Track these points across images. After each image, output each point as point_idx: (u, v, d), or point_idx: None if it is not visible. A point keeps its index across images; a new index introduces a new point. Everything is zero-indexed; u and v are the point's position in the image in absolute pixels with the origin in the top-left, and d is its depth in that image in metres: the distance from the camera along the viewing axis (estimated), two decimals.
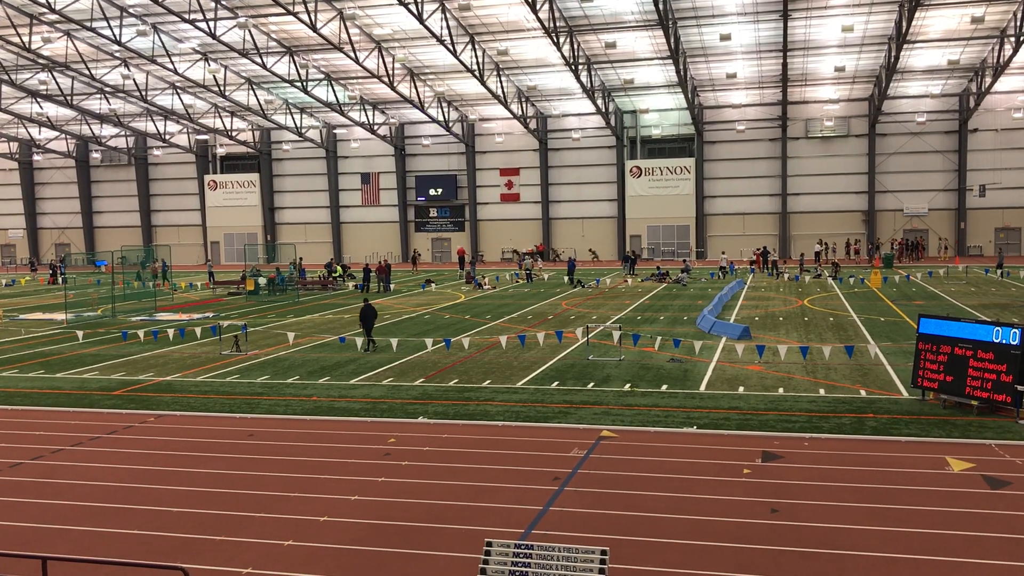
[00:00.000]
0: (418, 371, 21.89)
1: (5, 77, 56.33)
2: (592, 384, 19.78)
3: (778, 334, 27.03)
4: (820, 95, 62.93)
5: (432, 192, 72.67)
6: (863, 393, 18.29)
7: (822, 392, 18.43)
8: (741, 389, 18.88)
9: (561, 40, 48.19)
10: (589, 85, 56.50)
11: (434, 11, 44.88)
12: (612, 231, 69.84)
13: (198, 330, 29.07)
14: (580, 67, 53.48)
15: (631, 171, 68.32)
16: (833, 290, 41.28)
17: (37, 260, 79.48)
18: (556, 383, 20.00)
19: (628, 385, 19.55)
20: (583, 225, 70.25)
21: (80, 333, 29.65)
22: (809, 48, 52.09)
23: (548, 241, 70.50)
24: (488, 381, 20.42)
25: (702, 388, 19.14)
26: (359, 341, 25.86)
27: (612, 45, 47.94)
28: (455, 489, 12.49)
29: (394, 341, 25.17)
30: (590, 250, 69.60)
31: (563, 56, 49.45)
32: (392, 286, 47.40)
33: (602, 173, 69.46)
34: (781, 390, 18.69)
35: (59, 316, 35.97)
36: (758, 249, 59.02)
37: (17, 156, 78.38)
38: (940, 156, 63.20)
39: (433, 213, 73.55)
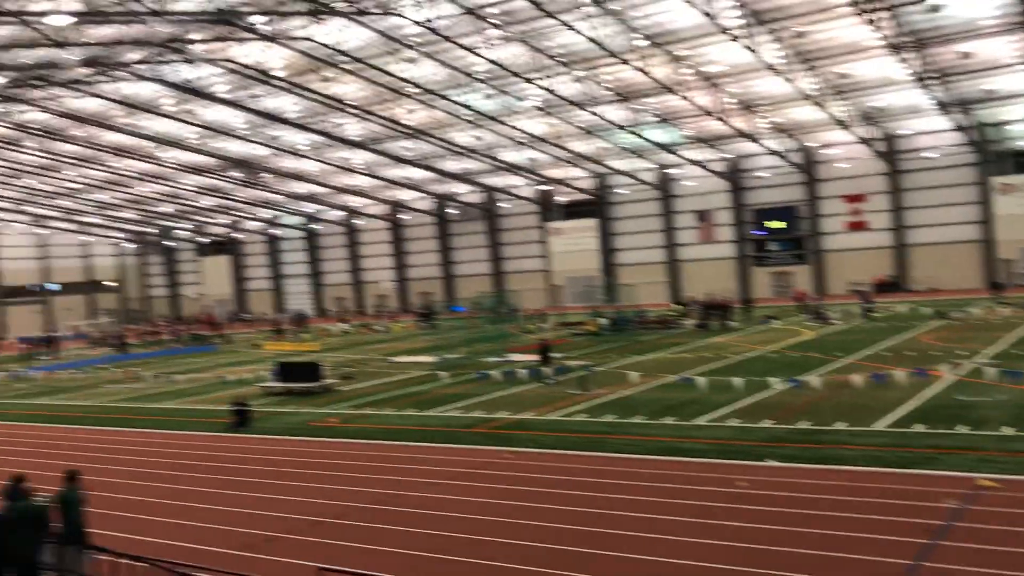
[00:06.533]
0: (764, 412, 21.20)
1: (377, 147, 63.63)
2: (964, 427, 17.90)
3: None
4: None
5: (770, 225, 70.60)
6: None
7: None
8: None
9: (907, 56, 44.92)
10: (943, 100, 51.95)
11: (767, 42, 43.96)
12: (975, 256, 63.17)
13: (547, 370, 30.43)
14: (931, 82, 49.42)
15: (999, 188, 61.52)
16: None
17: (402, 308, 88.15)
18: (920, 426, 18.36)
19: (1010, 428, 17.44)
20: (940, 251, 64.32)
21: (444, 374, 32.29)
22: None
23: (902, 270, 65.40)
24: (842, 423, 19.26)
25: None
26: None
27: (967, 55, 43.76)
28: (810, 537, 11.88)
29: (739, 381, 24.63)
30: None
31: (910, 72, 46.00)
32: (733, 323, 46.49)
33: (961, 193, 63.27)
34: None
35: (426, 359, 39.49)
36: None
37: (388, 216, 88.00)
38: None
39: (772, 246, 71.37)
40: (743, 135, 59.38)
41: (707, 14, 39.47)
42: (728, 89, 51.64)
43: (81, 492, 12.04)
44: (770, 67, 45.59)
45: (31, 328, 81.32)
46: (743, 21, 41.06)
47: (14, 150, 62.75)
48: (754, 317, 50.42)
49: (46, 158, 65.49)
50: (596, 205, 78.94)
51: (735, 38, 41.64)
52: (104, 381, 39.86)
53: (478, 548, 12.47)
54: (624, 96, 54.68)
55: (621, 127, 58.56)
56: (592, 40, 42.18)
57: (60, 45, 37.44)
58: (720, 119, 54.95)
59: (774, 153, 64.05)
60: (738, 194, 71.89)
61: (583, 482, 15.74)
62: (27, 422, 29.00)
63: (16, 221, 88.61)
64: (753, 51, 42.85)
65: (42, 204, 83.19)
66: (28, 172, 70.16)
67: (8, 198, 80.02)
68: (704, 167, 67.72)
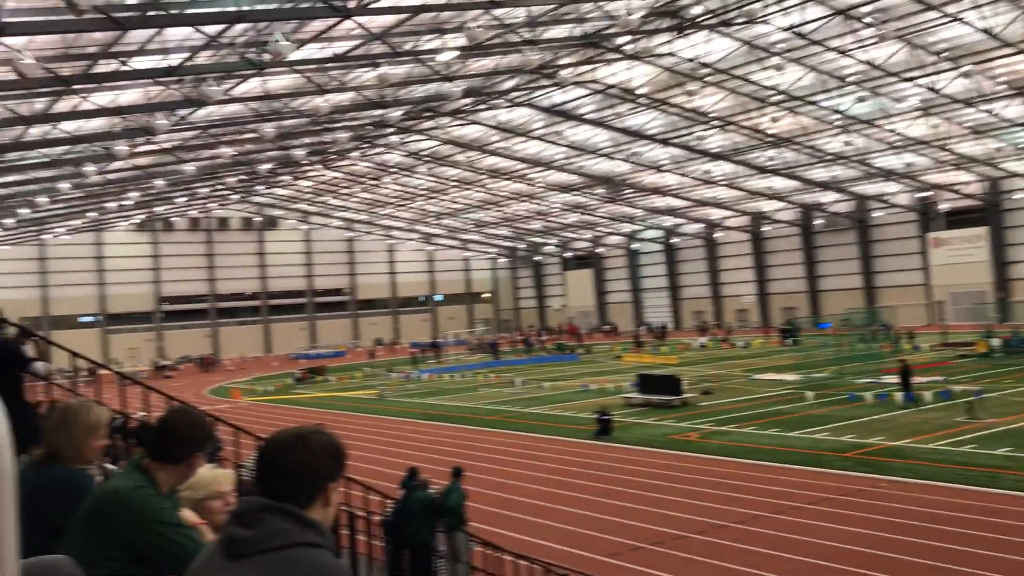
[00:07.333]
0: None
1: (739, 158, 62.53)
2: None
3: None
4: None
5: None
6: None
7: None
8: None
9: None
10: None
11: None
12: None
13: (927, 394, 27.86)
14: None
15: None
16: None
17: (717, 324, 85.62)
18: None
19: None
20: None
21: (809, 394, 30.72)
22: None
23: None
24: None
25: None
26: None
27: None
28: None
29: None
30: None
31: None
32: None
33: None
34: None
35: (790, 377, 37.90)
36: None
37: (749, 228, 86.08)
38: None
39: None
40: None
41: None
42: None
43: (463, 487, 13.08)
44: None
45: (420, 335, 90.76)
46: None
47: (408, 176, 70.40)
48: None
49: (434, 181, 72.63)
50: (987, 212, 71.04)
51: None
52: (480, 385, 43.19)
53: None
54: (1021, 90, 48.69)
55: (1019, 125, 52.14)
56: (984, 31, 38.03)
57: (446, 79, 41.27)
58: None
59: None
60: None
61: (970, 520, 14.13)
62: (416, 419, 32.22)
63: (409, 239, 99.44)
64: None
65: (430, 223, 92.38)
66: (420, 195, 78.28)
67: (404, 219, 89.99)
68: None
